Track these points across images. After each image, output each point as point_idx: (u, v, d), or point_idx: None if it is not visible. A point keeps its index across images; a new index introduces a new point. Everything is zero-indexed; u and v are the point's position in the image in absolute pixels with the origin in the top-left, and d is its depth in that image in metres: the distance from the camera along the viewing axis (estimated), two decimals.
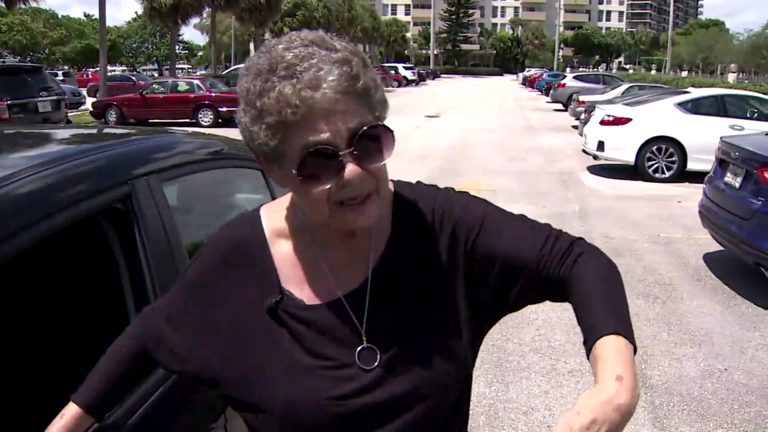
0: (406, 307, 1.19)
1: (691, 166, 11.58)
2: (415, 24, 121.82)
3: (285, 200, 1.24)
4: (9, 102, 12.83)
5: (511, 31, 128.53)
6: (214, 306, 1.22)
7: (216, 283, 1.23)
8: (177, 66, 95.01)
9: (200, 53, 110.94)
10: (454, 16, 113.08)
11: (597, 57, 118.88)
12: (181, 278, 1.33)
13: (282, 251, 1.22)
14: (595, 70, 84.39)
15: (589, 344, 1.08)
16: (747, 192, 5.78)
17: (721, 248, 6.79)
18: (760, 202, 5.51)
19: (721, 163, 6.52)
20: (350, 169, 1.05)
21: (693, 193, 9.59)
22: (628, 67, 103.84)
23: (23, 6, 27.30)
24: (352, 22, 68.31)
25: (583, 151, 13.46)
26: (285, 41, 1.08)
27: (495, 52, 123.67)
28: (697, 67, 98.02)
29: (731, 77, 43.28)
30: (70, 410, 1.31)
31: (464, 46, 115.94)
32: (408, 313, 1.18)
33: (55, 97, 14.20)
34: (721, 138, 6.88)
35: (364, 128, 1.05)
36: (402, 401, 1.16)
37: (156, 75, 64.64)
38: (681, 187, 11.23)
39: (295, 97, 1.01)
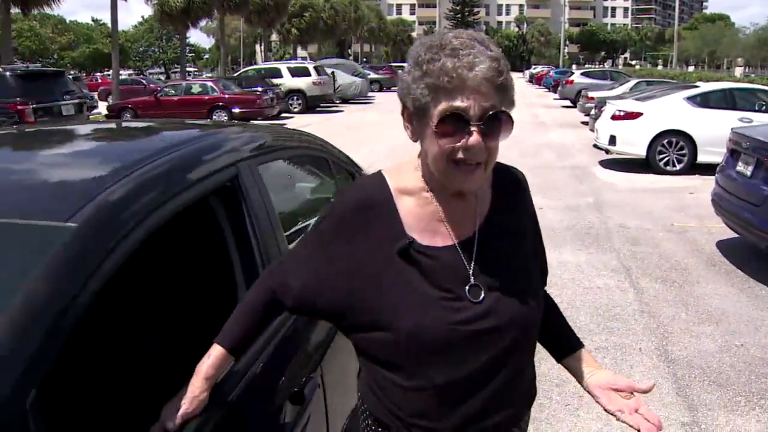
0: (503, 256, 1.53)
1: (702, 158, 11.84)
2: (420, 23, 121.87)
3: (406, 165, 1.54)
4: (34, 105, 13.19)
5: (516, 29, 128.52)
6: (346, 253, 1.50)
7: (346, 235, 1.51)
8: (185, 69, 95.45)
9: (206, 56, 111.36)
10: (459, 15, 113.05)
11: (603, 53, 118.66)
12: (311, 233, 1.62)
13: (406, 206, 1.51)
14: (602, 66, 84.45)
15: (573, 350, 1.69)
16: (758, 179, 6.07)
17: (734, 236, 7.07)
18: None
19: (733, 153, 6.80)
20: (474, 138, 1.36)
21: (704, 185, 9.86)
22: (633, 63, 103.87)
23: (38, 11, 27.66)
24: (358, 23, 68.64)
25: (595, 146, 13.73)
26: (454, 33, 1.40)
27: (501, 49, 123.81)
28: (704, 61, 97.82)
29: (738, 71, 43.39)
30: (215, 351, 1.61)
31: None
32: (504, 260, 1.52)
33: (77, 101, 14.56)
34: (732, 129, 7.17)
35: (494, 111, 1.36)
36: (500, 329, 1.47)
37: (163, 78, 64.95)
38: (692, 179, 11.48)
39: (453, 71, 1.33)
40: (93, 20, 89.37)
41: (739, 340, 4.90)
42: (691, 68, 61.68)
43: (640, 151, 12.30)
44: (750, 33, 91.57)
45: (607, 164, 13.21)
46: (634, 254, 7.08)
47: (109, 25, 30.63)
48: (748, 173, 6.28)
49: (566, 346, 1.71)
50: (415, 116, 1.42)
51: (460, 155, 1.38)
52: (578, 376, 1.67)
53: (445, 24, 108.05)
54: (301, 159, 2.97)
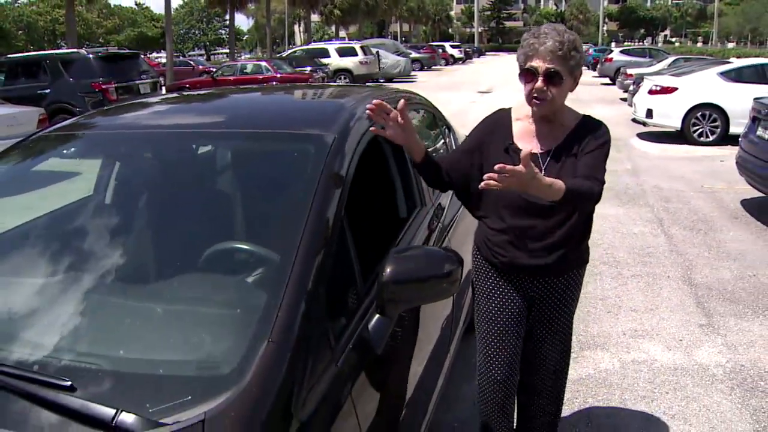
0: (565, 162, 2.56)
1: (734, 130, 12.61)
2: (459, 2, 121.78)
3: (523, 105, 2.64)
4: (116, 85, 14.47)
5: (555, 7, 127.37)
6: (481, 147, 2.67)
7: (484, 138, 2.69)
8: (221, 51, 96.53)
9: (245, 37, 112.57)
10: None
11: (642, 31, 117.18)
12: (468, 137, 2.79)
13: (518, 125, 2.68)
14: (641, 44, 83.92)
15: None
16: None
17: (756, 195, 8.06)
18: None
19: (754, 120, 7.77)
20: (539, 83, 2.47)
21: (734, 154, 10.63)
22: (674, 40, 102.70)
23: None
24: (398, 2, 69.24)
25: (633, 120, 14.62)
26: (546, 24, 2.56)
27: (572, 36, 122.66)
28: (746, 38, 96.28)
29: None
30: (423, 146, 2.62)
31: (508, 23, 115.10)
32: (566, 166, 2.54)
33: (152, 80, 15.84)
34: (754, 98, 8.12)
35: (551, 69, 2.45)
36: (560, 202, 2.37)
37: (203, 60, 66.15)
38: (723, 149, 12.33)
39: (532, 45, 2.48)
40: (136, 4, 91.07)
41: (752, 272, 5.94)
42: (730, 45, 61.25)
43: (676, 123, 13.19)
44: None
45: (644, 136, 14.09)
46: (667, 209, 8.11)
47: (152, 9, 32.35)
48: (766, 137, 7.26)
49: None
50: (521, 72, 2.53)
51: (534, 92, 2.49)
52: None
53: (483, 2, 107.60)
54: (420, 111, 4.06)
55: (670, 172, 10.50)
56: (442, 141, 4.21)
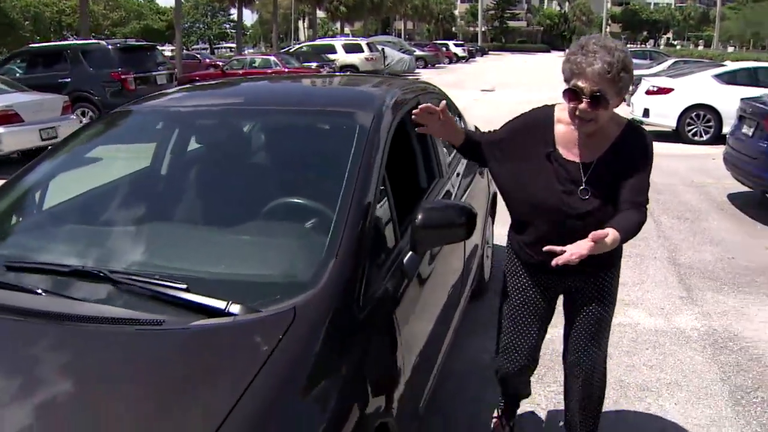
0: (608, 175, 2.51)
1: (726, 130, 13.00)
2: (463, 1, 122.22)
3: (565, 105, 2.53)
4: (134, 75, 15.03)
5: (558, 8, 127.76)
6: (517, 146, 2.65)
7: (520, 136, 2.66)
8: (224, 45, 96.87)
9: (249, 32, 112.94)
10: None
11: (645, 33, 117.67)
12: (503, 127, 2.77)
13: (560, 129, 2.59)
14: (643, 46, 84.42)
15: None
16: (756, 138, 7.66)
17: (742, 189, 8.64)
18: (765, 145, 7.38)
19: (740, 119, 8.36)
20: (583, 105, 2.39)
21: None
22: (676, 43, 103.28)
23: None
24: (402, 1, 69.75)
25: (631, 119, 15.14)
26: (595, 38, 2.42)
27: (542, 28, 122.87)
28: (747, 42, 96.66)
29: None
30: (461, 132, 2.80)
31: (511, 23, 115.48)
32: (608, 179, 2.52)
33: (168, 72, 16.41)
34: (741, 99, 8.70)
35: (597, 92, 2.35)
36: (595, 213, 2.49)
37: (208, 53, 66.55)
38: (716, 148, 12.76)
39: (579, 63, 2.37)
40: None
41: (731, 255, 6.52)
42: (731, 49, 61.79)
43: (671, 122, 13.77)
44: None
45: None
46: (657, 200, 8.69)
47: (158, 2, 32.86)
48: (750, 133, 7.86)
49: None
50: (566, 90, 2.45)
51: (578, 113, 2.43)
52: None
53: (487, 2, 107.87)
54: (435, 100, 4.61)
55: (664, 168, 11.05)
56: None
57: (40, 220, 3.00)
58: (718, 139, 13.26)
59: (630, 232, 2.42)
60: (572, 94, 2.42)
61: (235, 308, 2.04)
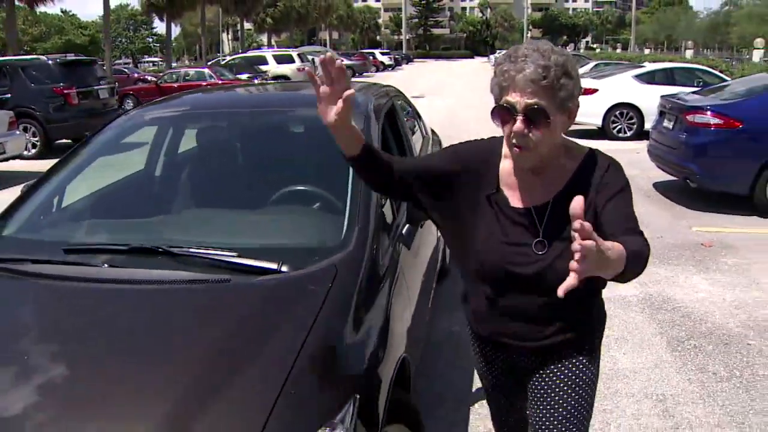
0: (568, 222, 1.42)
1: (648, 126, 13.90)
2: (386, 10, 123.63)
3: None
4: (76, 90, 15.10)
5: (480, 15, 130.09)
6: (459, 181, 1.98)
7: (463, 167, 1.98)
8: (148, 59, 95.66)
9: (173, 45, 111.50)
10: (424, 1, 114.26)
11: (565, 37, 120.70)
12: (438, 152, 2.25)
13: (505, 167, 1.95)
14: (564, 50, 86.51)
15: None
16: (675, 131, 8.48)
17: (666, 179, 9.47)
18: (683, 136, 8.20)
19: (661, 114, 9.20)
20: (517, 125, 1.75)
21: None
22: (595, 46, 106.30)
23: (43, 7, 29.26)
24: (328, 11, 70.27)
25: None
26: (527, 44, 1.80)
27: (465, 35, 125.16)
28: (662, 44, 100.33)
29: (689, 53, 46.45)
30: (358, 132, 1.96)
31: (435, 31, 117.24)
32: (567, 226, 1.53)
33: (109, 86, 16.53)
34: (661, 96, 9.56)
35: (533, 105, 1.72)
36: (551, 275, 1.83)
37: (132, 68, 65.69)
38: (639, 143, 13.60)
39: (507, 73, 1.76)
40: (62, 11, 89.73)
41: (660, 234, 7.27)
42: (647, 51, 64.39)
43: (597, 121, 14.60)
44: (704, 18, 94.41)
45: (568, 134, 15.34)
46: None
47: (79, 17, 32.57)
48: (671, 127, 8.68)
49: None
50: (494, 109, 1.81)
51: (512, 138, 1.78)
52: None
53: (410, 10, 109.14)
54: (403, 103, 5.18)
55: None
56: (419, 134, 5.34)
57: (82, 210, 3.44)
58: (640, 135, 14.18)
59: (637, 256, 1.70)
60: (503, 113, 1.82)
61: (286, 268, 2.52)
